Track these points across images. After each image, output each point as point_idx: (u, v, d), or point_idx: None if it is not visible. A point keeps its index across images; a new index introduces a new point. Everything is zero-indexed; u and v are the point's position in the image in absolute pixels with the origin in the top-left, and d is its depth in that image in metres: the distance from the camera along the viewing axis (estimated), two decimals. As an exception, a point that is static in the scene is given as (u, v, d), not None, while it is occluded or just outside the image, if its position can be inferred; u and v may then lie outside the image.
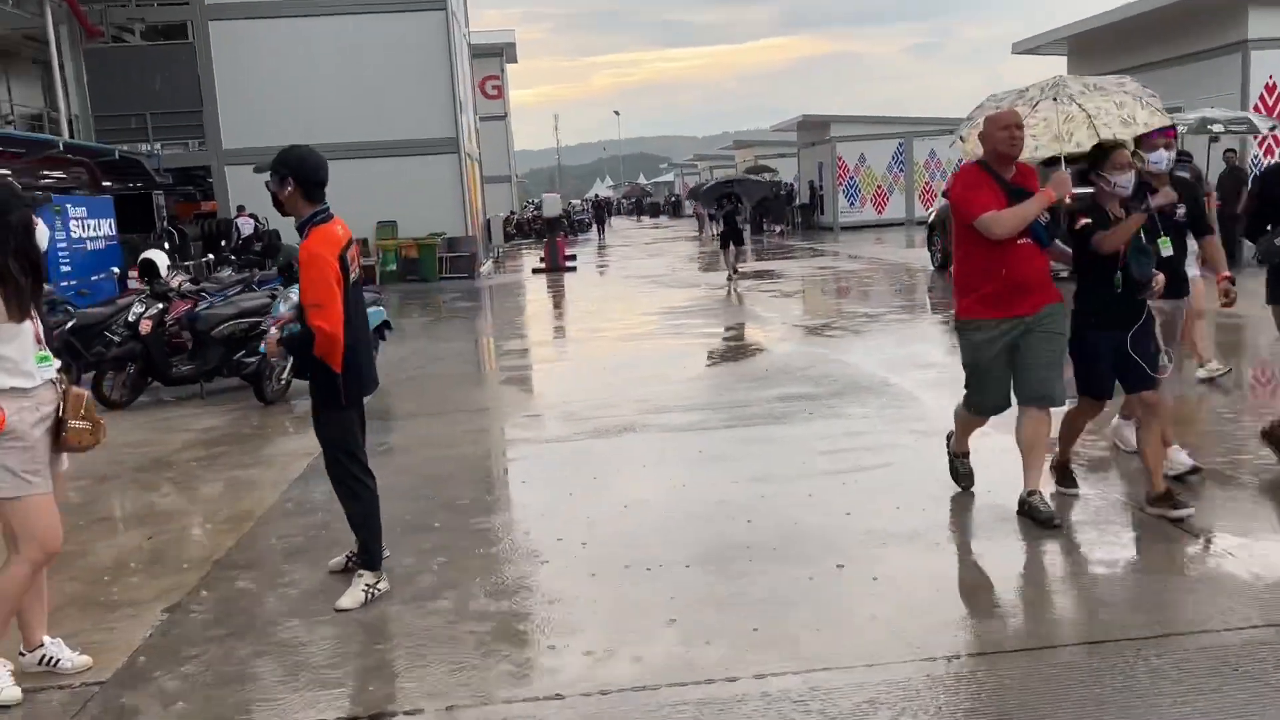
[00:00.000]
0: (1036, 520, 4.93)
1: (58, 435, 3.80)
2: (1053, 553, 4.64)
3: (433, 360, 11.82)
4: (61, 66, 25.10)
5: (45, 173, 25.24)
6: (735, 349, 11.40)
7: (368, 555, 4.60)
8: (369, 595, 4.48)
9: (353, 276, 4.43)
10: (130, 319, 9.75)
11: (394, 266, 24.28)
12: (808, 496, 5.67)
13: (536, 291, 20.76)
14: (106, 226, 19.31)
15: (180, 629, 4.37)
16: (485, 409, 8.92)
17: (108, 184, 25.71)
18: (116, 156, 22.93)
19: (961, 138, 5.94)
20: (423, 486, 6.37)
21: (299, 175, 4.35)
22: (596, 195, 66.58)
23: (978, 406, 5.31)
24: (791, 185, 41.60)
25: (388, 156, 24.62)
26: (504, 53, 51.95)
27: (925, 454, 6.16)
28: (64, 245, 17.56)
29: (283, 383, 9.59)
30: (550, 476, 6.52)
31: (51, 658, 3.97)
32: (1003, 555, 4.69)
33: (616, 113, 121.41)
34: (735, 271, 18.72)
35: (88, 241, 18.38)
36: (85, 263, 17.54)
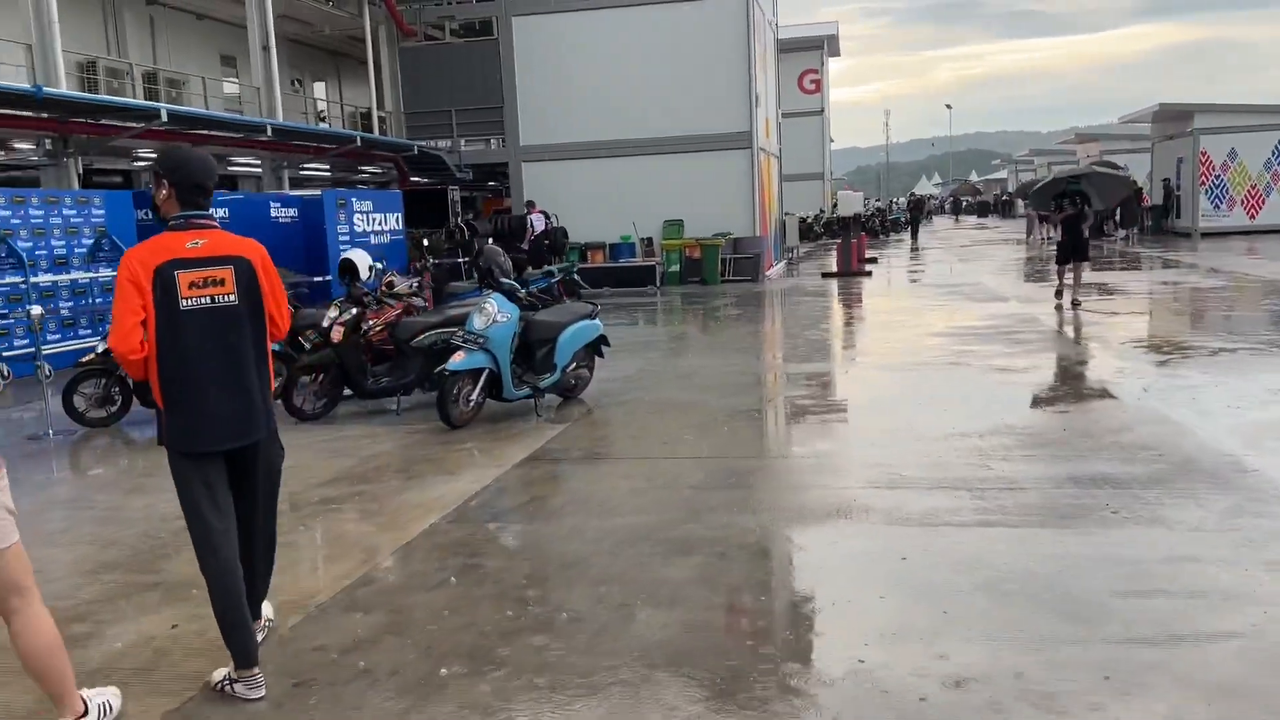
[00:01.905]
0: None
1: None
2: None
3: (658, 381, 10.25)
4: (378, 65, 26.17)
5: (362, 168, 26.55)
6: (1025, 394, 8.88)
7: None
8: (220, 688, 3.75)
9: (192, 301, 3.64)
10: (324, 324, 8.95)
11: (677, 267, 23.10)
12: (1079, 696, 3.45)
13: (817, 299, 18.71)
14: (393, 221, 19.51)
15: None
16: (671, 458, 7.18)
17: (416, 179, 26.66)
18: (415, 152, 23.44)
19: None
20: (535, 577, 4.77)
21: (175, 177, 3.74)
22: (913, 193, 62.66)
23: None
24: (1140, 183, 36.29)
25: (678, 153, 23.54)
26: (825, 45, 49.78)
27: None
28: (346, 238, 17.82)
29: (472, 404, 8.38)
30: (675, 577, 4.69)
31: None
32: None
33: (948, 106, 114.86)
34: (1076, 301, 14.44)
35: (372, 236, 18.58)
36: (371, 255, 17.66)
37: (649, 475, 6.60)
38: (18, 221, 12.80)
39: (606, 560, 5.02)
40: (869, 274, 23.29)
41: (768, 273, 24.37)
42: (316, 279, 16.29)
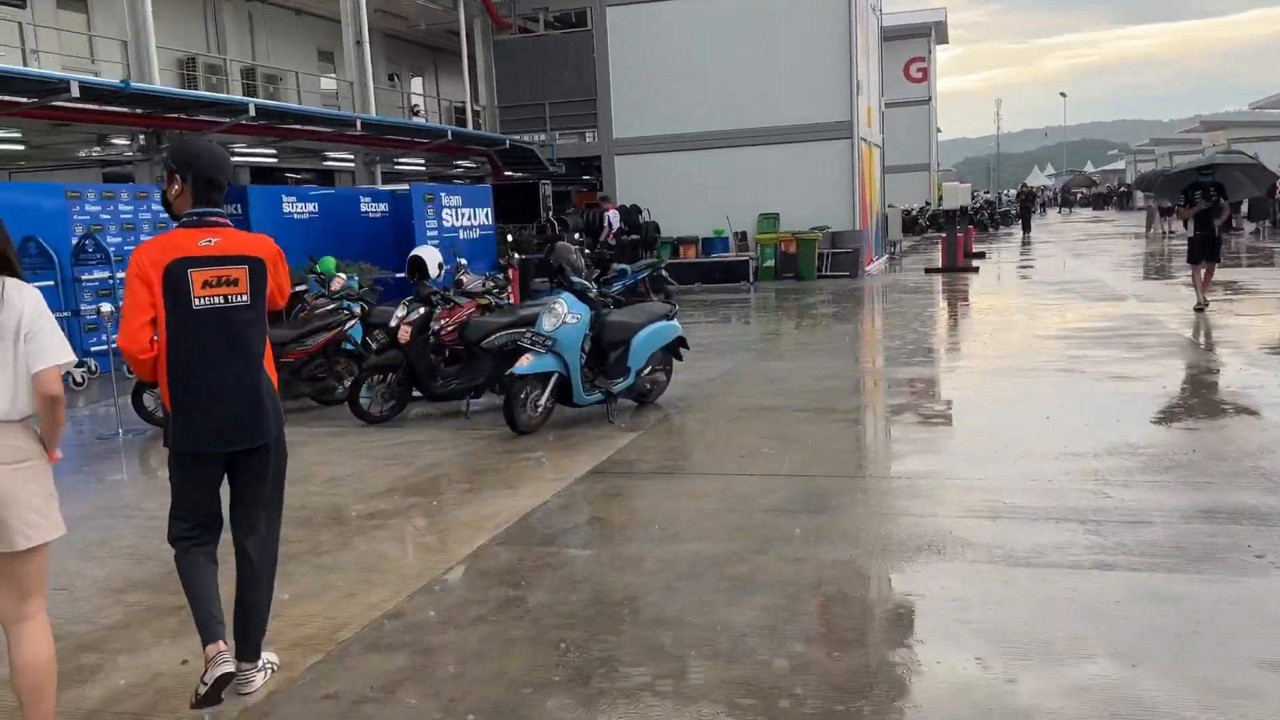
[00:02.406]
0: None
1: None
2: None
3: (742, 385, 9.64)
4: (473, 59, 26.05)
5: (457, 162, 26.50)
6: (1148, 407, 8.01)
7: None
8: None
9: (205, 301, 3.52)
10: (392, 324, 8.61)
11: (772, 263, 22.38)
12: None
13: (918, 297, 17.78)
14: (482, 216, 19.28)
15: None
16: (746, 474, 6.58)
17: (509, 174, 26.48)
18: (507, 146, 23.22)
19: None
20: (580, 616, 4.25)
21: (189, 172, 3.61)
22: (1024, 184, 60.24)
23: None
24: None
25: (775, 143, 22.82)
26: (932, 32, 48.09)
27: None
28: (434, 233, 17.64)
29: (540, 410, 7.93)
30: (733, 621, 4.10)
31: None
32: None
33: (1062, 95, 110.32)
34: (1202, 304, 13.17)
35: (460, 231, 18.37)
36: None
37: (721, 494, 6.03)
38: (107, 216, 12.89)
39: (662, 597, 4.47)
40: (975, 269, 22.19)
41: (867, 268, 23.45)
42: (400, 274, 16.05)
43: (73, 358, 3.22)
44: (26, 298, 3.15)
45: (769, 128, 22.76)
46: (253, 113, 14.90)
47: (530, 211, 23.18)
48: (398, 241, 17.55)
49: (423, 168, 25.46)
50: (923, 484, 6.13)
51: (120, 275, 12.69)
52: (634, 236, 22.50)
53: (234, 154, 19.21)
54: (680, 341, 8.99)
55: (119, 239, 13.01)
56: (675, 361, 9.13)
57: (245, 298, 3.59)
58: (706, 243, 23.30)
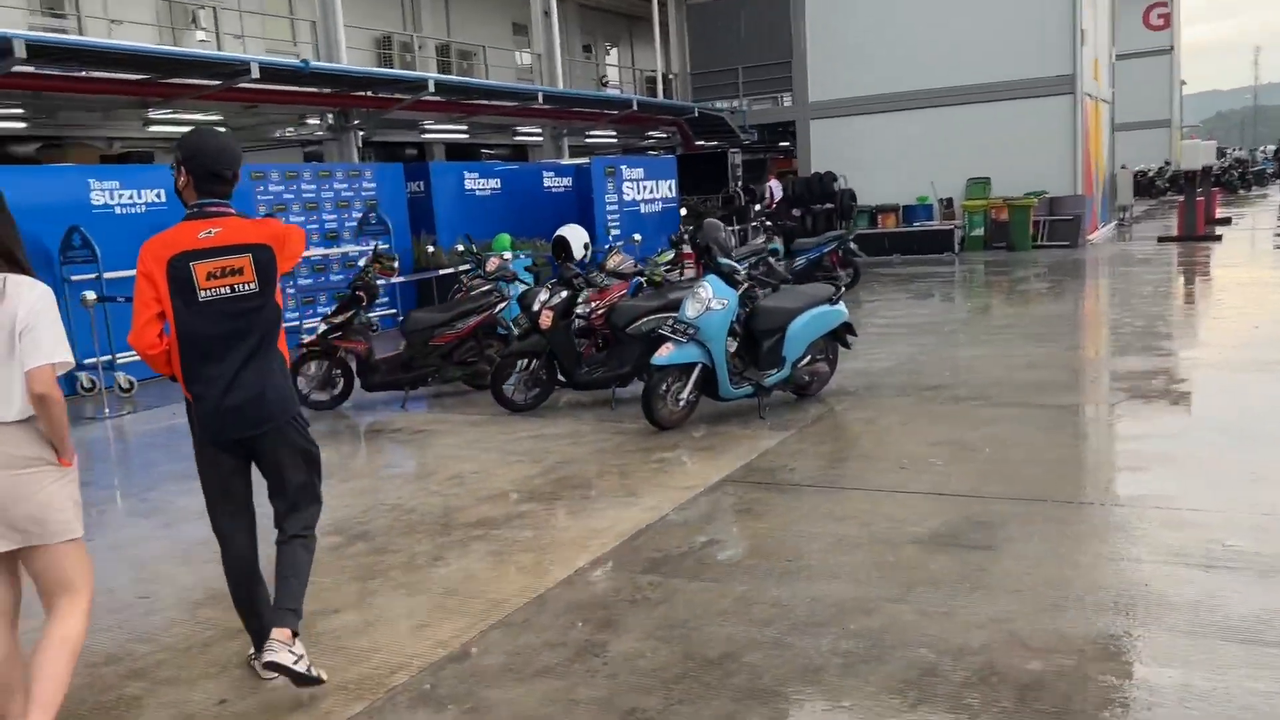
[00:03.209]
0: None
1: None
2: None
3: (923, 375, 8.58)
4: (666, 26, 25.44)
5: (649, 133, 26.05)
6: None
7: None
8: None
9: (210, 292, 3.51)
10: (534, 308, 8.14)
11: (980, 231, 20.65)
12: None
13: (1148, 270, 15.81)
14: (666, 188, 18.69)
15: None
16: (903, 492, 5.64)
17: (701, 143, 25.77)
18: (695, 113, 22.52)
19: None
20: (661, 676, 3.55)
21: (192, 164, 3.59)
22: (1286, 141, 53.81)
23: None
24: None
25: (986, 101, 21.00)
26: (1177, -27, 43.54)
27: None
28: (615, 207, 17.21)
29: (682, 404, 7.24)
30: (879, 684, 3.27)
31: None
32: None
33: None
34: None
35: (642, 204, 17.87)
36: (637, 227, 16.97)
37: (867, 517, 5.15)
38: (290, 196, 13.14)
39: (765, 657, 3.71)
40: (1218, 238, 19.67)
41: (1090, 237, 21.28)
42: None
43: (68, 358, 3.10)
44: (25, 295, 3.07)
45: (980, 84, 20.95)
46: (432, 89, 14.84)
47: (719, 182, 22.42)
48: (581, 217, 17.26)
49: (614, 139, 25.16)
50: (1118, 514, 5.03)
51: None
52: (828, 205, 21.35)
53: (424, 130, 19.47)
54: (846, 327, 8.06)
55: (300, 218, 13.25)
56: (842, 349, 8.21)
57: (252, 286, 3.55)
58: (907, 211, 21.78)
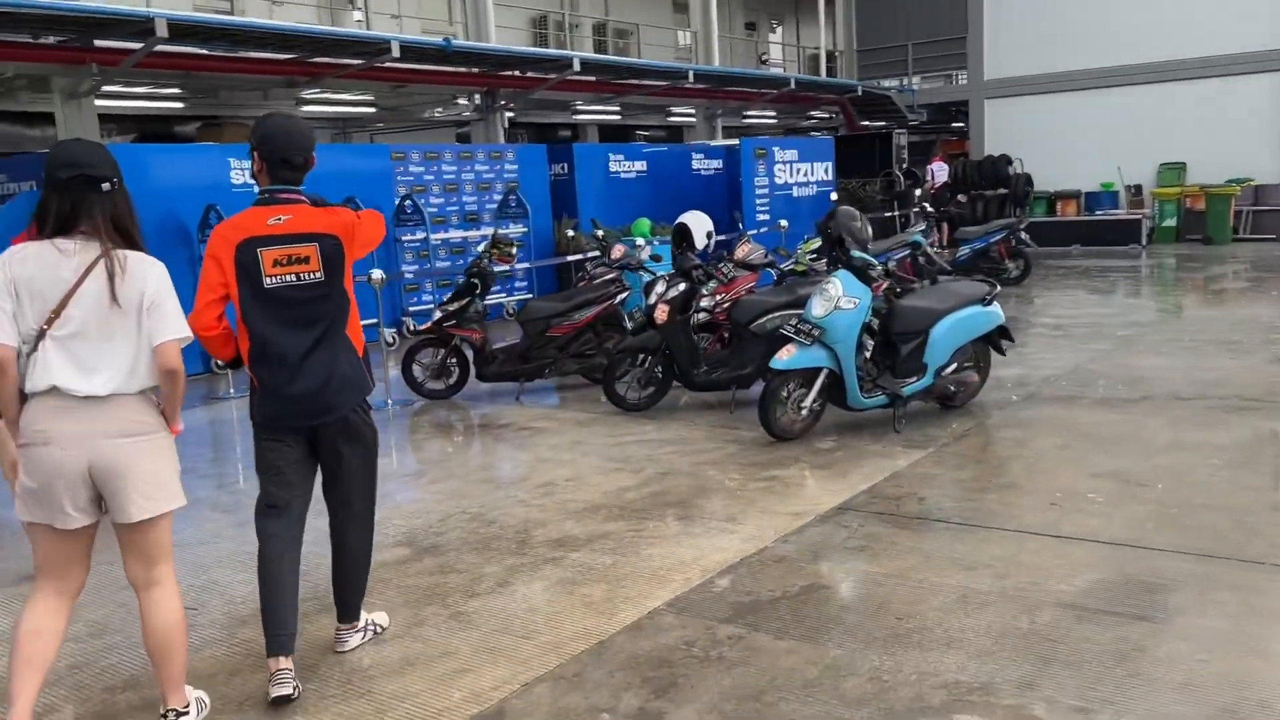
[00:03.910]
0: None
1: None
2: None
3: (1090, 388, 7.53)
4: (832, 1, 24.31)
5: (811, 113, 25.01)
6: None
7: None
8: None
9: (276, 280, 3.50)
10: (650, 300, 7.55)
11: (1172, 222, 18.79)
12: None
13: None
14: (821, 171, 17.73)
15: None
16: (1052, 535, 4.75)
17: (865, 124, 24.55)
18: (859, 92, 21.39)
19: None
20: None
21: (264, 150, 3.57)
22: None
23: None
24: None
25: (1183, 80, 19.10)
26: None
27: None
28: (765, 191, 16.41)
29: (805, 413, 6.51)
30: None
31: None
32: None
33: None
34: None
35: (794, 188, 16.99)
36: (788, 212, 16.13)
37: (1004, 567, 4.34)
38: (430, 177, 12.97)
39: (849, 753, 3.01)
40: None
41: (1301, 230, 19.01)
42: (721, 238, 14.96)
43: (190, 333, 3.24)
44: (150, 272, 3.15)
45: (1176, 60, 19.04)
46: (577, 68, 14.43)
47: (882, 166, 21.21)
48: (730, 201, 16.55)
49: (773, 120, 24.26)
50: (1328, 585, 4.04)
51: (434, 237, 12.76)
52: (1000, 191, 19.88)
53: (575, 111, 19.14)
54: (1001, 331, 7.12)
55: (441, 200, 13.09)
56: (996, 356, 7.27)
57: (318, 275, 3.56)
58: (1089, 198, 20.05)
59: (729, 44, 25.02)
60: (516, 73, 15.18)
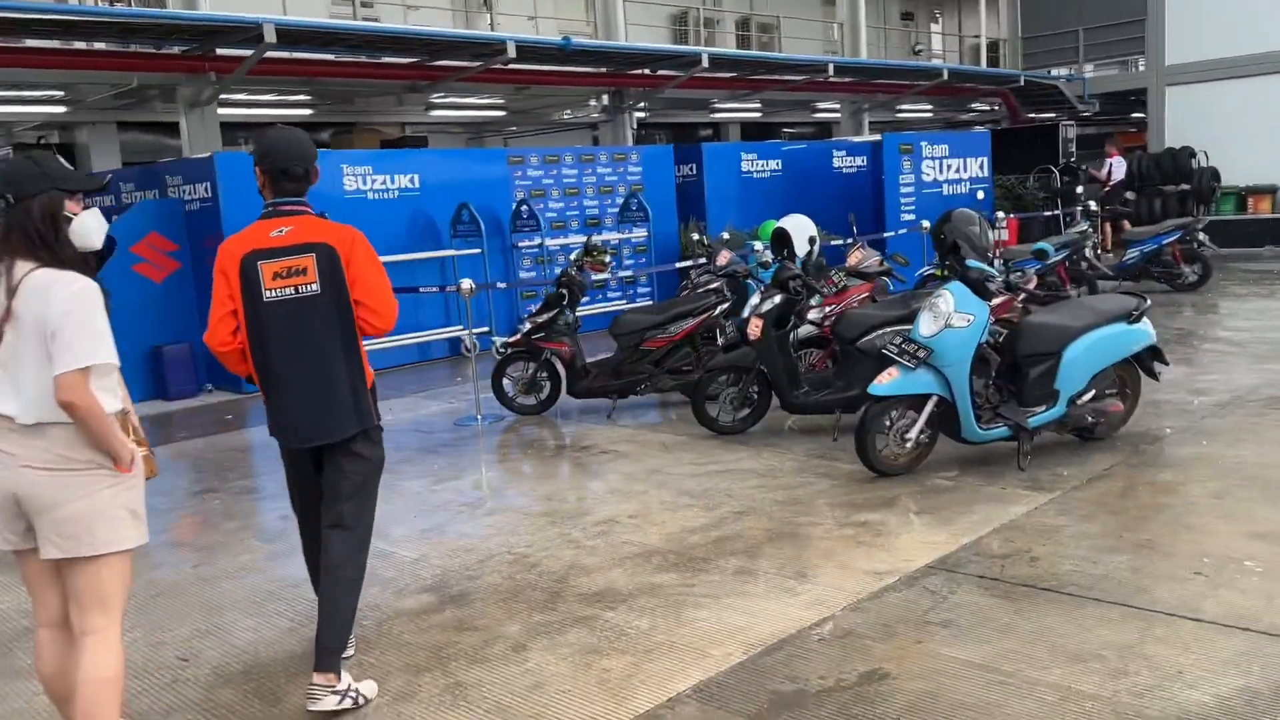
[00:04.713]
0: None
1: None
2: None
3: (1250, 418, 6.35)
4: (994, -14, 22.79)
5: (971, 106, 23.52)
6: None
7: None
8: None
9: (275, 293, 3.43)
10: (745, 314, 6.85)
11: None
12: None
13: None
14: (976, 167, 16.44)
15: None
16: (1188, 618, 3.81)
17: (1031, 116, 22.87)
18: (1021, 82, 19.89)
19: None
20: None
21: (265, 163, 3.53)
22: None
23: None
24: None
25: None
26: None
27: None
28: (911, 189, 15.31)
29: (911, 444, 5.68)
30: None
31: None
32: None
33: None
34: None
35: (944, 185, 15.81)
36: (936, 212, 14.98)
37: (1118, 660, 3.46)
38: (549, 181, 12.61)
39: None
40: None
41: None
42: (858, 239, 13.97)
43: (101, 360, 2.84)
44: (57, 294, 2.83)
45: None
46: (705, 63, 13.78)
47: (1049, 159, 19.62)
48: (875, 201, 15.55)
49: (929, 114, 22.93)
50: None
51: (549, 243, 12.37)
52: (1183, 186, 18.03)
53: (713, 109, 18.48)
54: (1153, 353, 6.08)
55: (561, 204, 12.71)
56: (1149, 380, 6.23)
57: (315, 287, 3.45)
58: (1287, 193, 17.94)
59: (882, 36, 23.80)
60: (646, 71, 14.65)
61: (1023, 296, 6.13)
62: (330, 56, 11.30)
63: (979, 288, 5.58)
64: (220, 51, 10.59)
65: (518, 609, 4.28)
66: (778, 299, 6.68)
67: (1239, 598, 3.89)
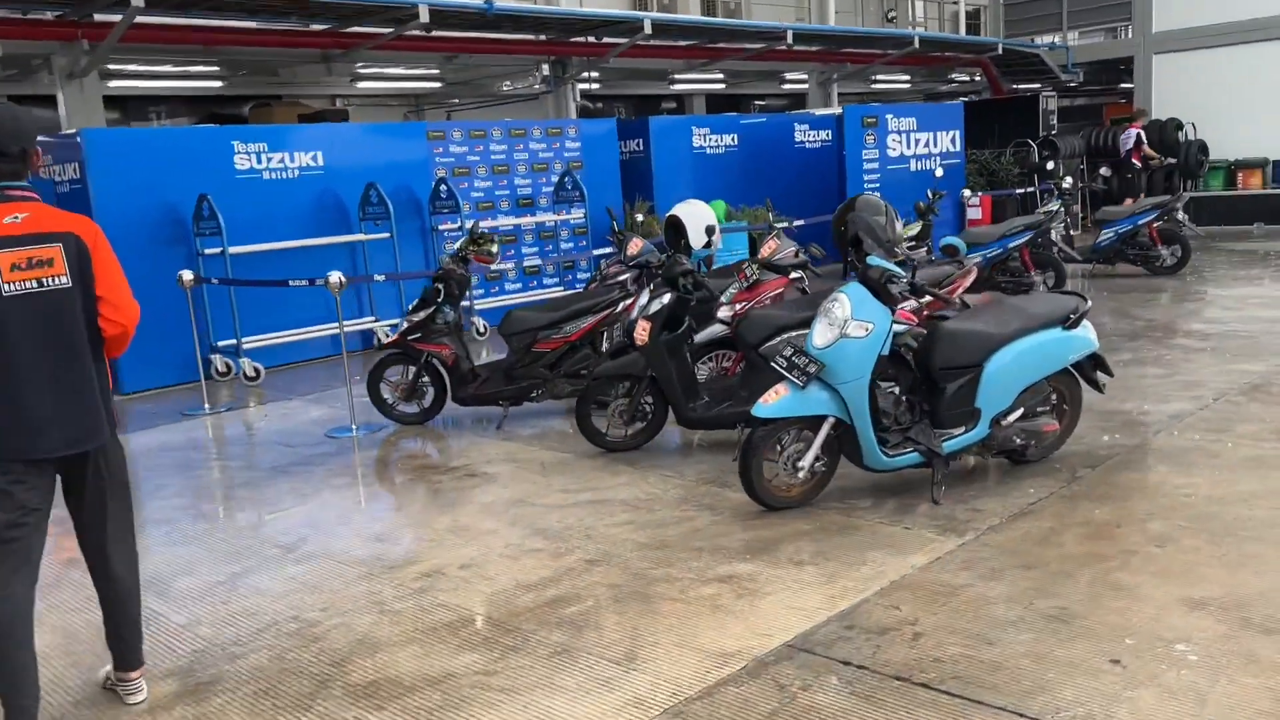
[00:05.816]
0: None
1: None
2: None
3: (1222, 433, 5.46)
4: (974, -51, 21.71)
5: (951, 76, 22.49)
6: None
7: None
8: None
9: (16, 286, 3.12)
10: (632, 315, 5.94)
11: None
12: None
13: None
14: (946, 141, 15.46)
15: None
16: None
17: (1015, 87, 21.85)
18: (999, 50, 18.86)
19: None
20: None
21: None
22: None
23: None
24: None
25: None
26: None
27: None
28: (875, 165, 14.35)
29: (804, 473, 4.78)
30: None
31: None
32: None
33: None
34: None
35: (912, 161, 14.84)
36: (904, 189, 14.01)
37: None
38: (475, 159, 11.65)
39: None
40: None
41: None
42: (799, 222, 12.95)
43: None
44: None
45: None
46: (648, 30, 12.78)
47: (1028, 133, 18.64)
48: (841, 178, 14.59)
49: (906, 85, 21.90)
50: None
51: (481, 225, 11.39)
52: (1170, 160, 17.07)
53: (673, 81, 17.49)
54: (1095, 362, 5.19)
55: (489, 183, 11.76)
56: (1091, 392, 5.34)
57: (65, 280, 3.18)
58: (1277, 167, 16.99)
59: (859, 4, 22.73)
60: (591, 39, 13.65)
61: (927, 299, 5.20)
62: (221, 23, 10.32)
63: (880, 290, 4.67)
64: (98, 18, 9.61)
65: (261, 710, 3.40)
66: (667, 298, 5.76)
67: (1162, 702, 3.01)
